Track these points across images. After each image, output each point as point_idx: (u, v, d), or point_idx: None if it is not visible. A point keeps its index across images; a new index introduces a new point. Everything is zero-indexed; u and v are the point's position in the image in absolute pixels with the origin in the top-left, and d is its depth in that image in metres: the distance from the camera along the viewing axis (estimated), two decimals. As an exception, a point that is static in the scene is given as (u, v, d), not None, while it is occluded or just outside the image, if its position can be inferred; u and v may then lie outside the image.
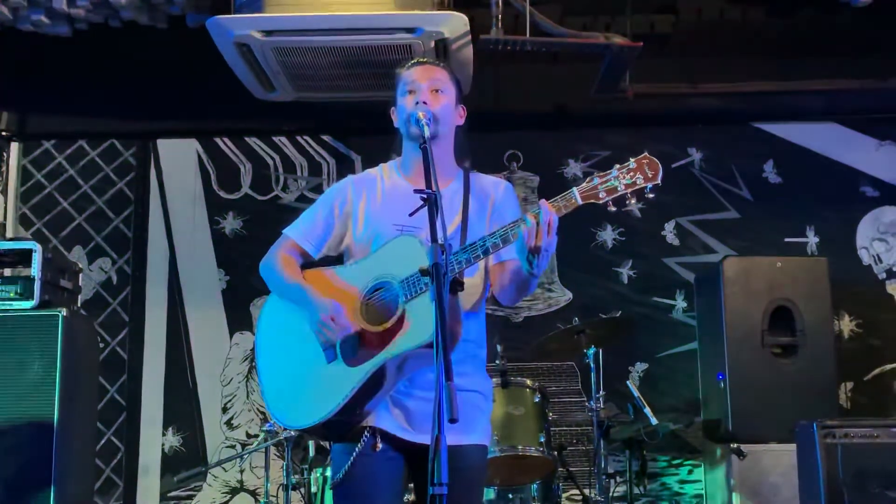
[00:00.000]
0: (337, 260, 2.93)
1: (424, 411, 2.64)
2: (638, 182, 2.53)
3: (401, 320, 2.61)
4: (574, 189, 2.56)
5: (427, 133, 2.65)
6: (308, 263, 2.92)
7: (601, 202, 2.55)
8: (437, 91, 2.81)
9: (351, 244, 2.88)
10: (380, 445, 2.68)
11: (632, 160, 2.56)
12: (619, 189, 2.54)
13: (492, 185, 2.91)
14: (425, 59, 2.94)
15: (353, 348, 2.66)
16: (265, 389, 2.82)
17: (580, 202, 2.56)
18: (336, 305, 2.68)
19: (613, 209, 2.57)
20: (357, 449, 2.67)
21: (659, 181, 2.54)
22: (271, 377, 2.82)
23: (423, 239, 2.56)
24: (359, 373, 2.61)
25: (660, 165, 2.55)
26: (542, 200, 2.55)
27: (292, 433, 4.59)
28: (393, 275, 2.65)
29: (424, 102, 2.75)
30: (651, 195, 2.56)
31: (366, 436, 2.67)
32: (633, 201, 2.56)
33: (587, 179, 2.57)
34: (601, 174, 2.56)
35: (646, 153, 2.56)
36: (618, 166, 2.56)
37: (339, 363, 2.67)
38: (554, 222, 2.52)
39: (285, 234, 2.94)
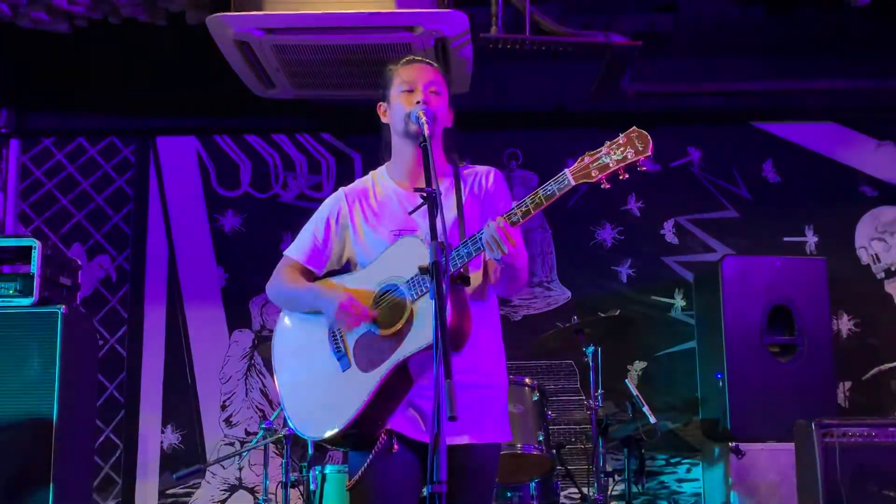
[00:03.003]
0: (341, 273, 2.93)
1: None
2: (629, 156, 2.48)
3: (409, 321, 2.61)
4: (566, 171, 2.52)
5: (426, 131, 2.63)
6: (314, 279, 2.93)
7: (594, 181, 2.51)
8: (435, 93, 2.80)
9: (352, 256, 2.90)
10: (396, 447, 2.68)
11: (620, 135, 2.52)
12: (610, 165, 2.49)
13: (482, 176, 2.90)
14: (420, 58, 2.93)
15: (366, 355, 2.67)
16: (285, 403, 2.83)
17: (573, 183, 2.51)
18: (350, 295, 2.69)
19: (607, 186, 2.52)
20: (374, 451, 2.67)
21: (650, 153, 2.48)
22: (290, 390, 2.84)
23: (424, 236, 2.57)
24: (373, 379, 2.62)
25: (649, 137, 2.50)
26: (490, 222, 2.51)
27: (290, 431, 4.58)
28: (399, 277, 2.66)
29: (426, 102, 2.75)
30: (643, 168, 2.53)
31: (382, 438, 2.68)
32: (625, 176, 2.51)
33: (578, 160, 2.53)
34: (591, 153, 2.52)
35: (634, 126, 2.52)
36: (607, 143, 2.52)
37: (354, 371, 2.68)
38: (500, 236, 2.48)
39: (286, 254, 2.96)
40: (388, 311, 2.68)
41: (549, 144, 6.21)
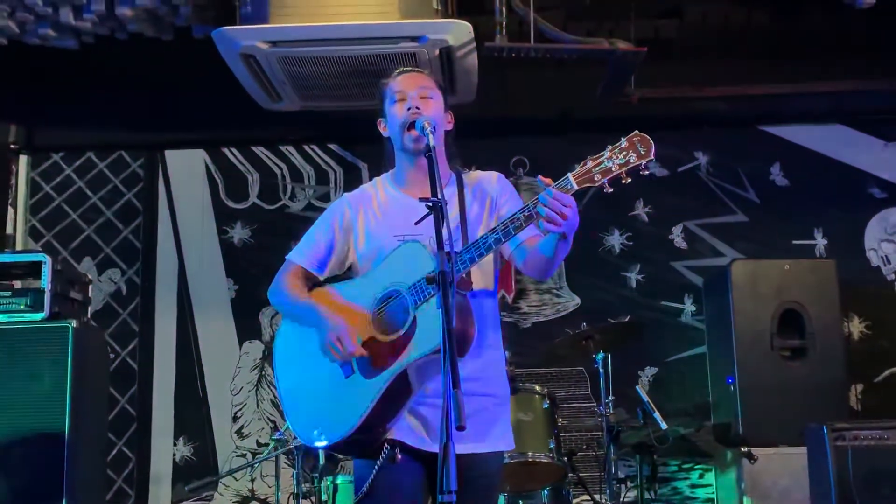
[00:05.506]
0: (344, 277, 2.93)
1: (440, 419, 2.63)
2: (631, 161, 2.48)
3: (412, 328, 2.61)
4: (568, 175, 2.52)
5: (432, 141, 2.63)
6: (315, 284, 2.93)
7: (597, 185, 2.50)
8: (426, 98, 2.81)
9: (355, 261, 2.90)
10: (399, 457, 2.67)
11: (623, 139, 2.51)
12: (613, 170, 2.48)
13: (486, 182, 2.90)
14: (409, 68, 2.95)
15: (369, 361, 2.67)
16: (287, 409, 2.83)
17: (575, 188, 2.50)
18: (343, 326, 2.68)
19: (610, 190, 2.51)
20: (377, 463, 2.67)
21: (652, 157, 2.48)
22: (292, 397, 2.83)
23: (427, 242, 2.58)
24: (376, 385, 2.62)
25: (651, 141, 2.48)
26: (544, 184, 2.51)
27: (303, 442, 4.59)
28: (401, 283, 2.66)
29: (417, 108, 2.76)
30: (646, 171, 2.53)
31: (385, 448, 2.67)
32: (627, 180, 2.50)
33: (580, 164, 2.52)
34: (594, 157, 2.51)
35: (636, 131, 2.51)
36: (609, 147, 2.51)
37: (357, 377, 2.68)
38: (564, 201, 2.47)
39: (289, 259, 2.95)
40: (390, 317, 2.68)
41: (556, 151, 6.20)
